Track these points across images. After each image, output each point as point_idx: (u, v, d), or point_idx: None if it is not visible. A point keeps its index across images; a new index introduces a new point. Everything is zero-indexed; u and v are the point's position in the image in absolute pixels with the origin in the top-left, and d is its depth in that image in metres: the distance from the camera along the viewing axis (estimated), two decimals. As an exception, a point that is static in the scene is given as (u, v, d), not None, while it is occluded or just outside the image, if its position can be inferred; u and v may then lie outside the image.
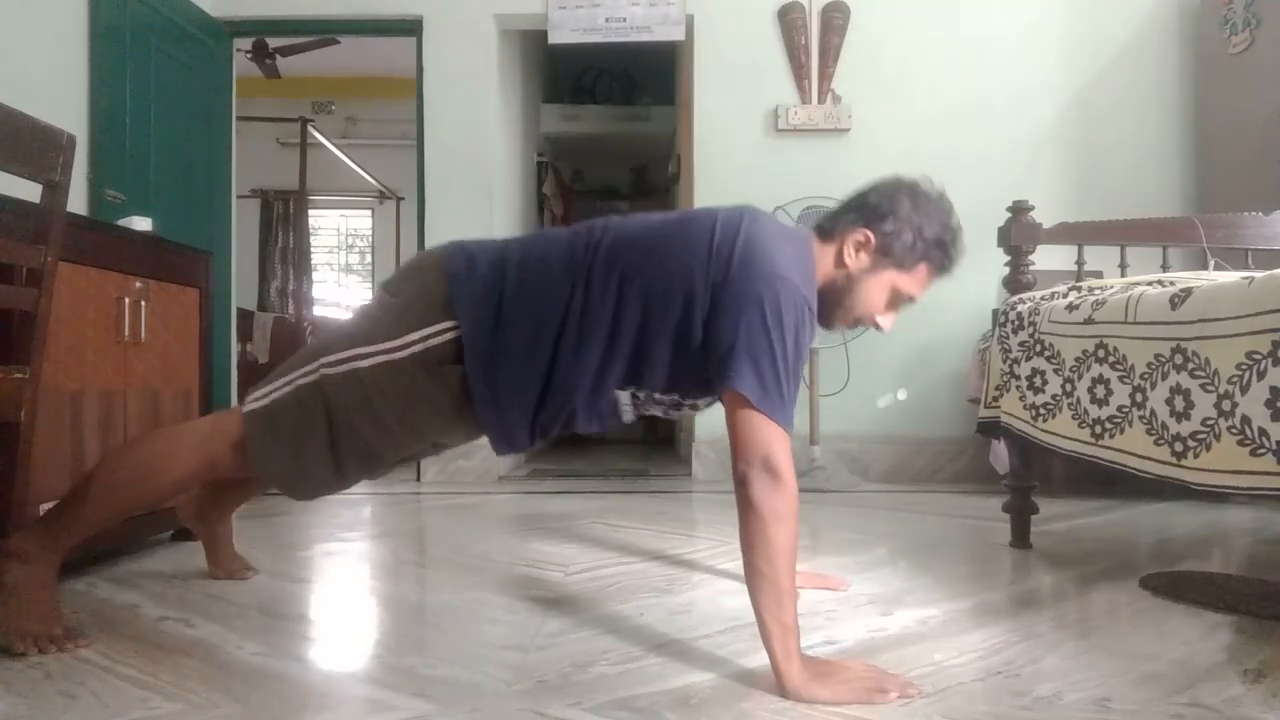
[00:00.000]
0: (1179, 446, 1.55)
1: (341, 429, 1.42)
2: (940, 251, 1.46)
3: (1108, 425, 1.78)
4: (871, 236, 1.43)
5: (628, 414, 1.48)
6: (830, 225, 1.48)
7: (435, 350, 1.39)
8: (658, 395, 1.44)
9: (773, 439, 1.25)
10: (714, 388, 1.36)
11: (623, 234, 1.42)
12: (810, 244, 1.46)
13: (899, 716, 1.13)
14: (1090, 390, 1.84)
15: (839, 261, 1.45)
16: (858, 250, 1.44)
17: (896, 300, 1.49)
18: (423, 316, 1.41)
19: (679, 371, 1.39)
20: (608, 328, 1.37)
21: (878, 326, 1.51)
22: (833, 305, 1.47)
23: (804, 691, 1.18)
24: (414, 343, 1.40)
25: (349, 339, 1.45)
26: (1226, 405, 1.42)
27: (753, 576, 1.24)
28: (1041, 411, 2.03)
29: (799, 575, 1.80)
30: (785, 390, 1.28)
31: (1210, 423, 1.46)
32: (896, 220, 1.42)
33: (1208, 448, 1.47)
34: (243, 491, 1.91)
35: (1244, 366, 1.38)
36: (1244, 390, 1.38)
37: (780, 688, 1.20)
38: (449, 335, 1.39)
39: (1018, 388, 2.13)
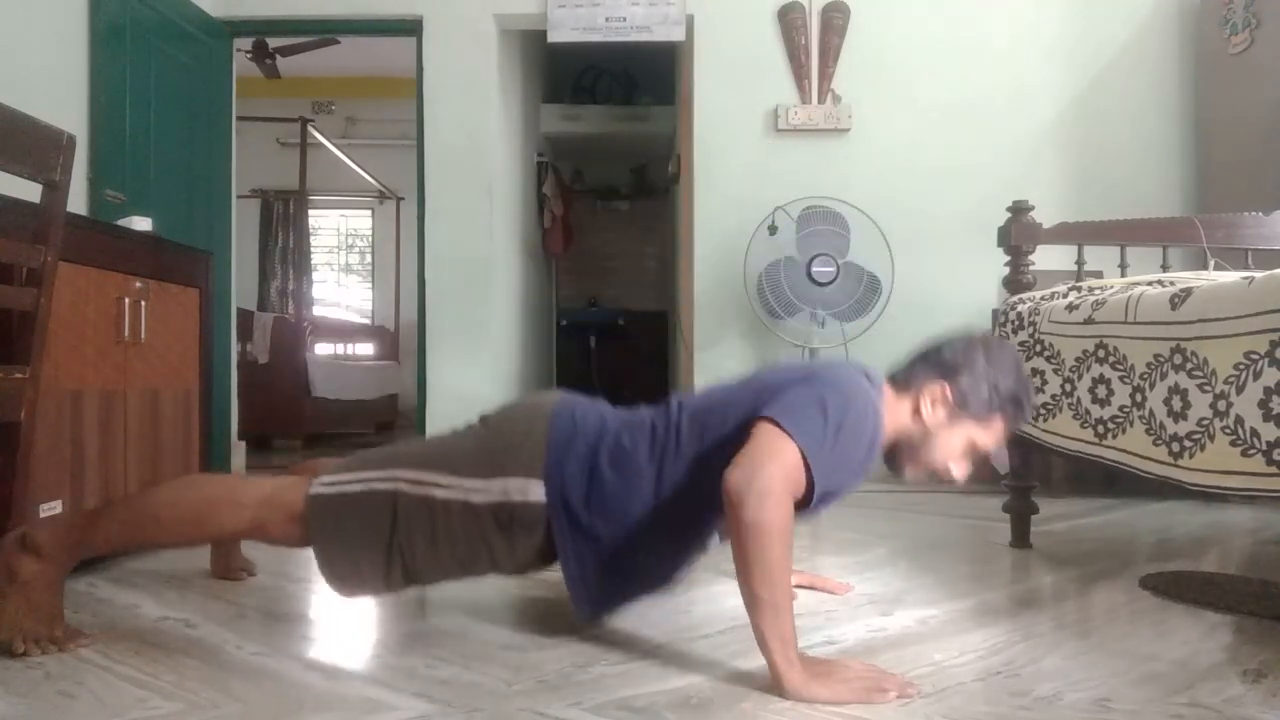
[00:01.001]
0: (1176, 446, 1.55)
1: (401, 544, 1.38)
2: (1015, 406, 1.49)
3: (1110, 425, 1.78)
4: (949, 391, 1.47)
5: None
6: (905, 377, 1.52)
7: (513, 508, 1.36)
8: None
9: (779, 463, 1.20)
10: None
11: (696, 403, 1.45)
12: (878, 387, 1.47)
13: (899, 716, 1.13)
14: (1091, 390, 1.84)
15: (915, 413, 1.48)
16: (934, 404, 1.47)
17: (971, 451, 1.50)
18: (512, 468, 1.38)
19: None
20: (705, 496, 1.31)
21: (950, 476, 1.51)
22: (907, 455, 1.49)
23: (804, 691, 1.18)
24: (495, 491, 1.37)
25: (433, 462, 1.42)
26: (1222, 405, 1.42)
27: (748, 596, 1.21)
28: (1041, 412, 2.03)
29: (800, 575, 1.80)
30: (825, 442, 1.24)
31: (1205, 423, 1.46)
32: (973, 375, 1.47)
33: (1202, 448, 1.47)
34: None
35: (1241, 367, 1.38)
36: (1239, 390, 1.38)
37: (780, 690, 1.20)
38: (532, 499, 1.36)
39: (1018, 388, 2.13)
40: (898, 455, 1.49)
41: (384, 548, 1.38)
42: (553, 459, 1.37)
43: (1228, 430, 1.41)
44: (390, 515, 1.38)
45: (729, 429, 1.35)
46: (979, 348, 1.50)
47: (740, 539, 1.19)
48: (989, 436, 1.49)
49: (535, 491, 1.36)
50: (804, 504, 1.26)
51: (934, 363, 1.50)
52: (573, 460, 1.37)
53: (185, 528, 1.46)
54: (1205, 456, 1.47)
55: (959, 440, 1.48)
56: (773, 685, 1.21)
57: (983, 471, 3.45)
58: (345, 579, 1.44)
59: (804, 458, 1.22)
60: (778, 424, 1.24)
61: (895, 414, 1.47)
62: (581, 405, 1.48)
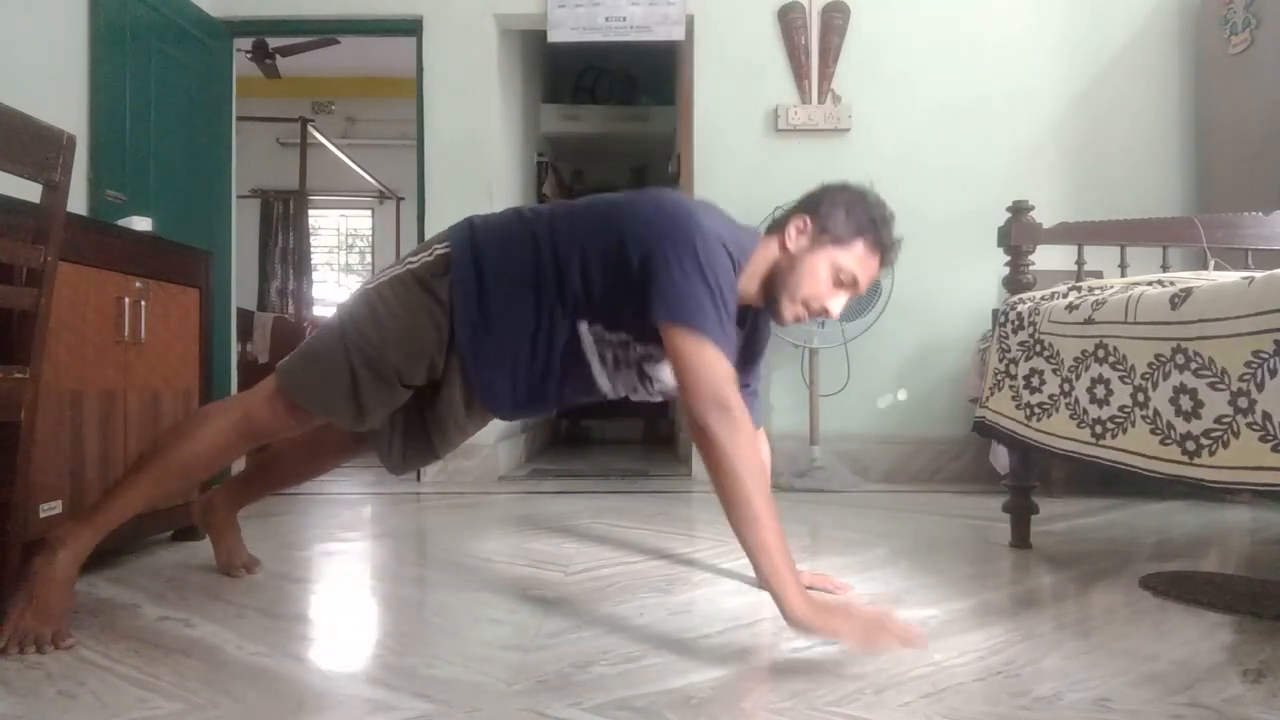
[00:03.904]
0: (1190, 445, 1.54)
1: (351, 339, 1.57)
2: (874, 228, 1.58)
3: (1109, 425, 1.78)
4: (809, 220, 1.59)
5: (599, 372, 1.60)
6: (776, 222, 1.66)
7: (428, 266, 1.60)
8: (608, 335, 1.56)
9: (718, 373, 1.35)
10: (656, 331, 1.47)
11: (568, 209, 1.63)
12: (740, 228, 1.63)
13: (899, 716, 1.13)
14: (1090, 390, 1.84)
15: (782, 245, 1.59)
16: (798, 234, 1.59)
17: (839, 279, 1.58)
18: (421, 249, 1.66)
19: (621, 307, 1.52)
20: (560, 275, 1.54)
21: (827, 312, 1.60)
22: (779, 289, 1.58)
23: (806, 618, 1.23)
24: (410, 262, 1.63)
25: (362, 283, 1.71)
26: (1243, 402, 1.42)
27: (730, 510, 1.31)
28: (1036, 411, 2.03)
29: (800, 574, 1.80)
30: (722, 316, 1.39)
31: (1226, 420, 1.46)
32: (831, 203, 1.59)
33: (1224, 445, 1.46)
34: (251, 490, 1.93)
35: (1253, 365, 1.38)
36: (1259, 388, 1.38)
37: (783, 611, 1.26)
38: (438, 252, 1.61)
39: (1011, 387, 2.13)
40: (773, 291, 1.58)
41: (343, 353, 1.57)
42: (451, 230, 1.66)
43: (1255, 427, 1.40)
44: (338, 328, 1.61)
45: (605, 248, 1.52)
46: (838, 187, 1.62)
47: (712, 457, 1.33)
48: (853, 260, 1.57)
49: (439, 249, 1.62)
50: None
51: (800, 204, 1.64)
52: (468, 225, 1.65)
53: (186, 443, 1.59)
54: (1229, 454, 1.46)
55: (824, 266, 1.56)
56: (778, 609, 1.27)
57: (983, 472, 3.47)
58: (324, 404, 1.61)
59: (714, 340, 1.38)
60: (683, 327, 1.38)
61: (766, 254, 1.60)
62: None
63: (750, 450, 1.32)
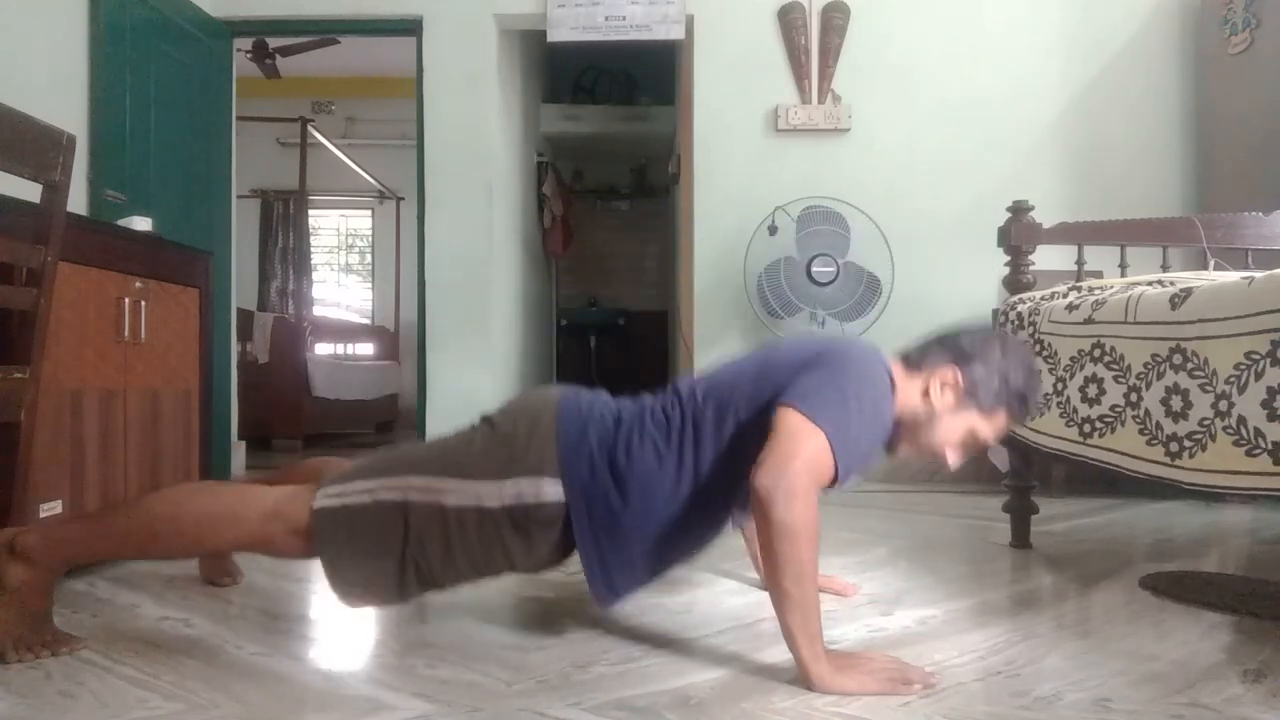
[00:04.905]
0: (1174, 446, 1.55)
1: (415, 555, 1.35)
2: (1021, 403, 1.49)
3: (1098, 424, 1.78)
4: (961, 377, 1.46)
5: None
6: (919, 358, 1.52)
7: (528, 510, 1.34)
8: None
9: (810, 465, 1.21)
10: None
11: (714, 384, 1.44)
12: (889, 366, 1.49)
13: (899, 716, 1.13)
14: (1081, 390, 1.84)
15: (924, 395, 1.47)
16: (944, 388, 1.47)
17: (969, 441, 1.50)
18: (524, 467, 1.35)
19: None
20: (726, 479, 1.36)
21: (944, 461, 1.50)
22: (908, 434, 1.48)
23: (830, 683, 1.20)
24: (508, 494, 1.34)
25: (440, 466, 1.38)
26: (1223, 405, 1.42)
27: (777, 594, 1.22)
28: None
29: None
30: (849, 423, 1.27)
31: (1207, 423, 1.46)
32: (987, 365, 1.46)
33: (1203, 448, 1.47)
34: None
35: (1242, 367, 1.38)
36: (1241, 390, 1.38)
37: (807, 682, 1.22)
38: (547, 499, 1.34)
39: (1017, 387, 2.13)
40: (896, 433, 1.47)
41: (397, 559, 1.35)
42: (567, 455, 1.35)
43: (1230, 430, 1.40)
44: (402, 526, 1.35)
45: (746, 415, 1.36)
46: (995, 340, 1.51)
47: (769, 539, 1.20)
48: (990, 428, 1.49)
49: (550, 490, 1.34)
50: (830, 483, 1.28)
51: (950, 347, 1.50)
52: (589, 453, 1.36)
53: (185, 542, 1.43)
54: (1207, 457, 1.46)
55: (960, 428, 1.47)
56: (800, 677, 1.23)
57: (983, 472, 3.47)
58: (356, 592, 1.41)
59: (829, 441, 1.24)
60: (800, 411, 1.25)
61: (903, 392, 1.47)
62: (586, 397, 1.47)
63: (811, 540, 1.20)
